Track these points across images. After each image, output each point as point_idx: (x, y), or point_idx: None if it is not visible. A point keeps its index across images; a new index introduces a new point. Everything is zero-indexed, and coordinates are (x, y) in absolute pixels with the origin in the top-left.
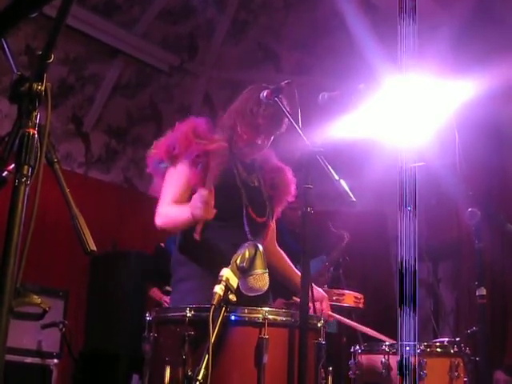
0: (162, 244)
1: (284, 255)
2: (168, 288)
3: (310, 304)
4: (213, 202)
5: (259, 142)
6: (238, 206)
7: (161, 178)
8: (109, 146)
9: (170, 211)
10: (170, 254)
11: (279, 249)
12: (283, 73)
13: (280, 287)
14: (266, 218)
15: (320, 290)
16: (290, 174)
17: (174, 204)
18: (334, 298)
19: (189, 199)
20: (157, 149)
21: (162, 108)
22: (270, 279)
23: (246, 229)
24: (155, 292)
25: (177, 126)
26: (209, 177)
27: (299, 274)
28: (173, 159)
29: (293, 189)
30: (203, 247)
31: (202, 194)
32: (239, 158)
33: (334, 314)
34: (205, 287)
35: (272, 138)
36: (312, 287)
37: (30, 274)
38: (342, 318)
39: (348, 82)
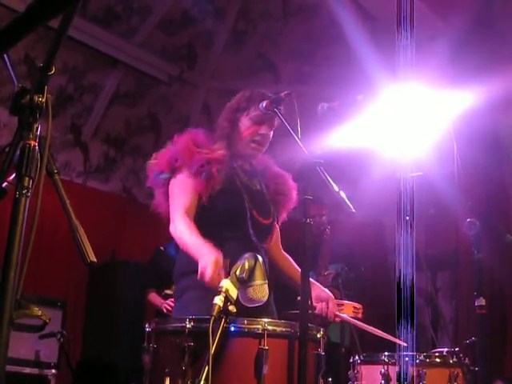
0: (162, 247)
1: (290, 259)
2: (168, 291)
3: (315, 304)
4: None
5: (263, 133)
6: (240, 209)
7: (161, 192)
8: (107, 155)
9: (185, 235)
10: (169, 257)
11: (285, 253)
12: (282, 82)
13: (284, 298)
14: (272, 219)
15: (326, 290)
16: (291, 181)
17: (187, 216)
18: None
19: (197, 207)
20: (158, 160)
21: (161, 118)
22: (274, 290)
23: (251, 231)
24: (154, 297)
25: (176, 138)
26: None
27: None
28: (174, 170)
29: (295, 195)
30: None
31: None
32: (239, 163)
33: (341, 314)
34: (207, 297)
35: (272, 129)
36: (311, 290)
37: (27, 284)
38: (350, 318)
39: (346, 91)
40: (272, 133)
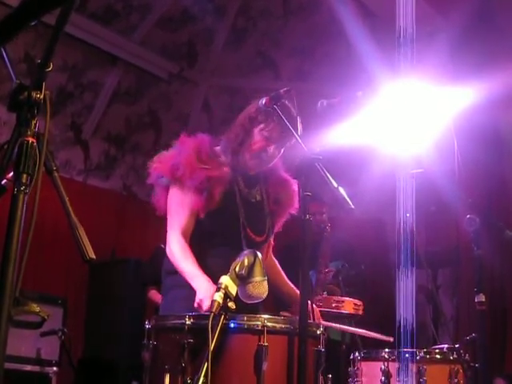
0: (162, 245)
1: (278, 265)
2: None
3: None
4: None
5: (270, 151)
6: (235, 229)
7: (161, 190)
8: (108, 153)
9: (180, 260)
10: None
11: (274, 259)
12: (282, 80)
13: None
14: (266, 235)
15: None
16: (294, 187)
17: (183, 234)
18: (333, 305)
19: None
20: (160, 163)
21: (161, 115)
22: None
23: (244, 248)
24: (154, 294)
25: (182, 141)
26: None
27: (291, 285)
28: (176, 180)
29: (296, 201)
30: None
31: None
32: (243, 171)
33: (324, 322)
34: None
35: (282, 149)
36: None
37: (28, 282)
38: (333, 324)
39: (346, 88)
40: (282, 151)
